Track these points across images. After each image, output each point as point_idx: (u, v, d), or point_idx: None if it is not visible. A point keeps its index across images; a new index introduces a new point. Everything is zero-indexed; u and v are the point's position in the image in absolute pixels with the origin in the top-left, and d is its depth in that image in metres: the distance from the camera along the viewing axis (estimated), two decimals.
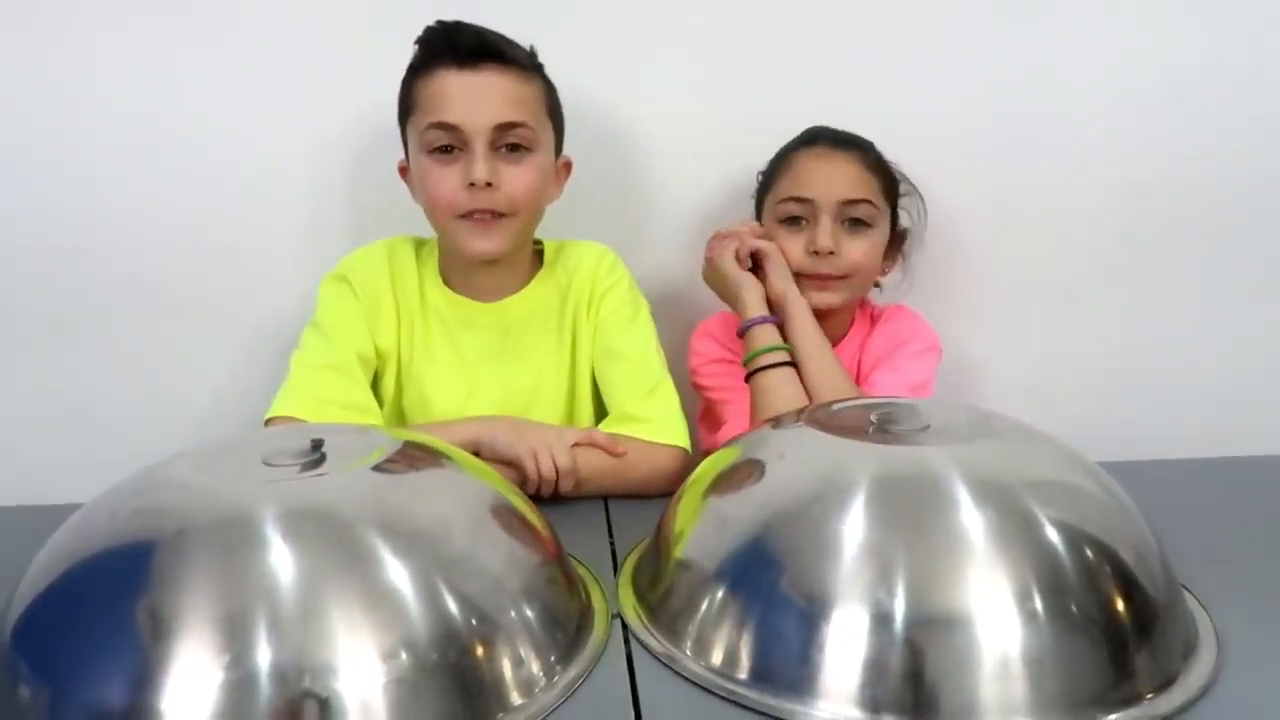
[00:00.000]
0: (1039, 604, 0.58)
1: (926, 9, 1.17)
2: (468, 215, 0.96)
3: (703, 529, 0.69)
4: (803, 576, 0.61)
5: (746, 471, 0.71)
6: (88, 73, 1.09)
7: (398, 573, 0.58)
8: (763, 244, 1.06)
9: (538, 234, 1.06)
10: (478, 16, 0.96)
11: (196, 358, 1.17)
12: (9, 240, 1.12)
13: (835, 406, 0.77)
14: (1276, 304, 1.28)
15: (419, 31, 0.96)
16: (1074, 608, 0.59)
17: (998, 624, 0.57)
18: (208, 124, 1.12)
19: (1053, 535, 0.61)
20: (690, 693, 0.61)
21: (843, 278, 1.06)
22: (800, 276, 1.06)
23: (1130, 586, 0.61)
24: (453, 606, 0.58)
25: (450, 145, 0.95)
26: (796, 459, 0.70)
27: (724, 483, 0.71)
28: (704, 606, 0.64)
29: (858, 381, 1.11)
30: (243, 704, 0.52)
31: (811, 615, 0.59)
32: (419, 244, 1.07)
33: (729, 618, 0.63)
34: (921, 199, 1.14)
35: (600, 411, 1.06)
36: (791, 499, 0.66)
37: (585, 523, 0.88)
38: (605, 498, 0.94)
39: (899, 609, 0.58)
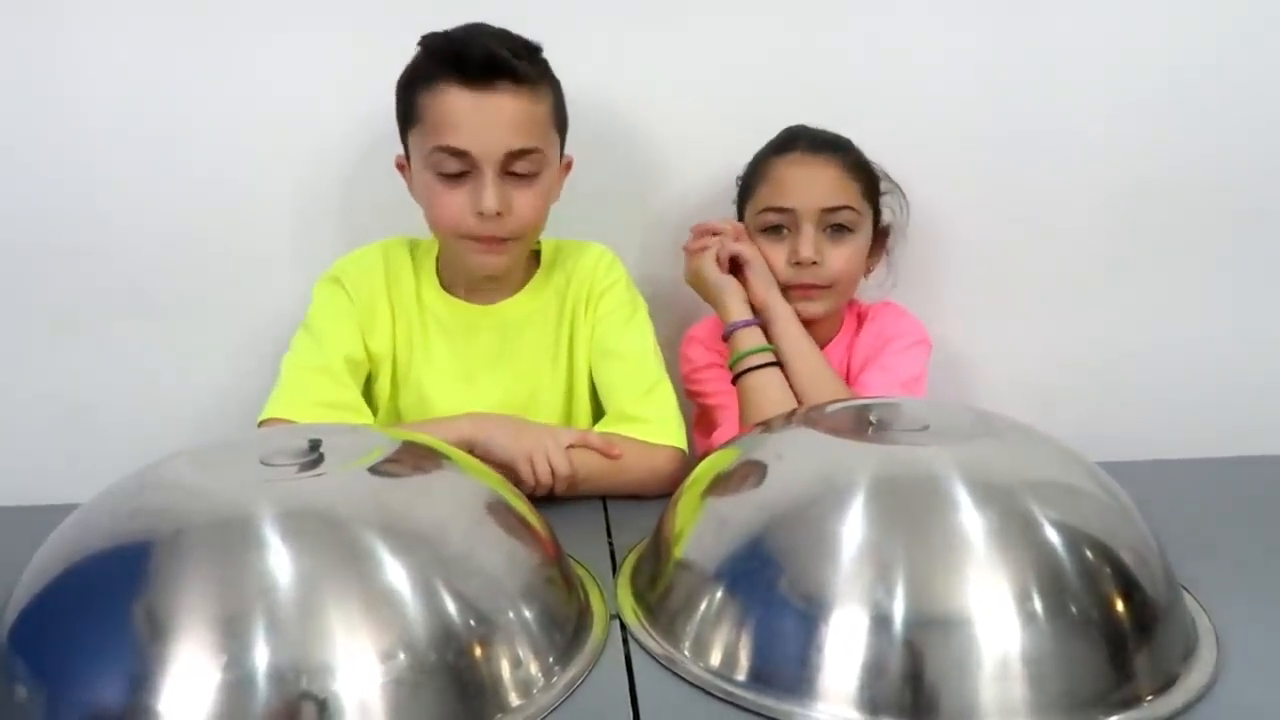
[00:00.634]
0: (1038, 605, 0.58)
1: (927, 7, 1.16)
2: (474, 238, 0.95)
3: (702, 530, 0.68)
4: (802, 577, 0.61)
5: (745, 472, 0.70)
6: (85, 73, 1.08)
7: (396, 573, 0.57)
8: (742, 248, 1.05)
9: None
10: (480, 14, 0.96)
11: (193, 358, 1.17)
12: (5, 239, 1.12)
13: (833, 407, 0.76)
14: (1277, 303, 1.28)
15: (418, 30, 0.95)
16: (1074, 609, 0.58)
17: (997, 625, 0.57)
18: (205, 124, 1.11)
19: (1052, 536, 0.61)
20: (689, 694, 0.61)
21: (827, 286, 1.05)
22: (784, 287, 1.05)
23: (1130, 587, 0.61)
24: (451, 607, 0.58)
25: (459, 168, 0.93)
26: (795, 460, 0.70)
27: (723, 483, 0.71)
28: (703, 607, 0.64)
29: (848, 382, 1.11)
30: (240, 705, 0.52)
31: (810, 616, 0.59)
32: (414, 245, 1.06)
33: (728, 619, 0.63)
34: (903, 194, 1.13)
35: (598, 411, 1.06)
36: (790, 500, 0.65)
37: (584, 523, 0.88)
38: (604, 498, 0.94)
39: (898, 610, 0.58)
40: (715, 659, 0.62)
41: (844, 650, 0.58)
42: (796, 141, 1.07)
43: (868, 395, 1.01)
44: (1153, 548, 0.65)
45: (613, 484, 0.94)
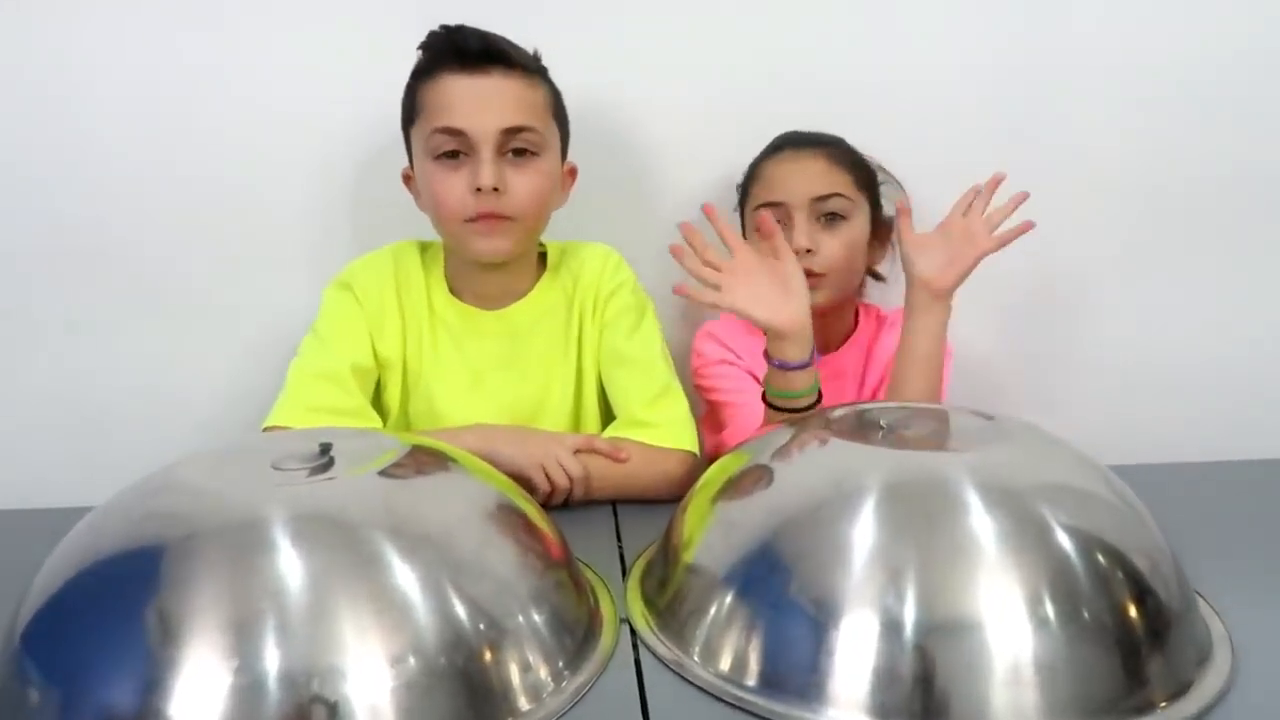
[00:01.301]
0: (1050, 610, 0.57)
1: (929, 7, 1.16)
2: (474, 219, 0.96)
3: (711, 534, 0.68)
4: (812, 582, 0.61)
5: (755, 476, 0.70)
6: (95, 76, 1.09)
7: (406, 577, 0.58)
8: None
9: (541, 235, 1.06)
10: (481, 21, 0.96)
11: (205, 361, 1.18)
12: (17, 242, 1.12)
13: (843, 411, 0.76)
14: None
15: (424, 35, 0.96)
16: (1086, 614, 0.58)
17: (1009, 630, 0.57)
18: (216, 127, 1.12)
19: (1064, 541, 0.60)
20: (698, 699, 0.61)
21: (823, 275, 1.05)
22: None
23: (1143, 593, 0.61)
24: (461, 611, 0.58)
25: (456, 150, 0.95)
26: (805, 464, 0.70)
27: (733, 488, 0.71)
28: (712, 612, 0.64)
29: (863, 384, 1.11)
30: (251, 708, 0.52)
31: (821, 621, 0.59)
32: (424, 248, 1.07)
33: (737, 623, 0.62)
34: (902, 187, 1.13)
35: (606, 413, 1.06)
36: (800, 504, 0.65)
37: (594, 527, 0.88)
38: (614, 503, 0.93)
39: (909, 615, 0.57)
40: (725, 664, 0.62)
41: (855, 655, 0.58)
42: (786, 143, 1.09)
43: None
44: (1166, 552, 0.65)
45: (624, 488, 0.94)
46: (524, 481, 0.87)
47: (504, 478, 0.74)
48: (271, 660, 0.52)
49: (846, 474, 0.65)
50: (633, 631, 0.68)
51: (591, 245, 1.08)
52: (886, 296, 1.19)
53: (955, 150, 1.18)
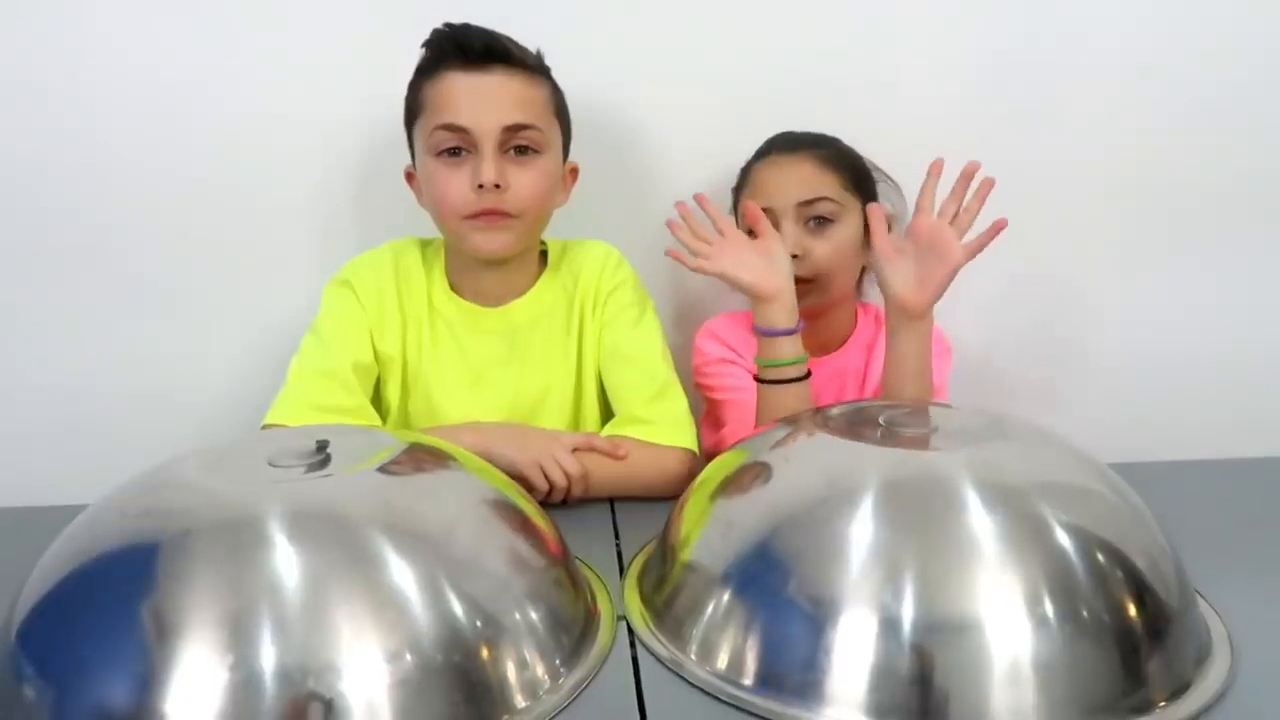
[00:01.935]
0: (1049, 609, 0.57)
1: (929, 4, 1.16)
2: (475, 215, 0.96)
3: (709, 532, 0.68)
4: (809, 581, 0.60)
5: (753, 474, 0.70)
6: (96, 76, 1.09)
7: (403, 574, 0.57)
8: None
9: (543, 234, 1.06)
10: (483, 20, 0.96)
11: (205, 358, 1.17)
12: (17, 239, 1.12)
13: (841, 409, 0.76)
14: None
15: (426, 34, 0.96)
16: (1085, 613, 0.58)
17: (1007, 629, 0.57)
18: (218, 124, 1.12)
19: (1063, 539, 0.60)
20: (695, 697, 0.61)
21: (812, 279, 1.04)
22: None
23: (1142, 592, 0.60)
24: (458, 608, 0.58)
25: (458, 147, 0.95)
26: (803, 462, 0.70)
27: (730, 486, 0.71)
28: (710, 610, 0.64)
29: (864, 384, 1.10)
30: (247, 705, 0.52)
31: (818, 620, 0.59)
32: (424, 245, 1.07)
33: (735, 622, 0.62)
34: (897, 186, 1.13)
35: (606, 411, 1.06)
36: (798, 502, 0.65)
37: (592, 525, 0.88)
38: (612, 500, 0.93)
39: (907, 614, 0.57)
40: (722, 662, 0.62)
41: (852, 654, 0.57)
42: (774, 145, 1.09)
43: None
44: (1166, 551, 0.65)
45: (623, 486, 0.94)
46: (522, 481, 0.87)
47: (501, 475, 0.74)
48: (267, 657, 0.52)
49: (844, 472, 0.65)
50: (630, 629, 0.68)
51: (592, 243, 1.08)
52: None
53: (954, 149, 1.17)
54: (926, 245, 0.93)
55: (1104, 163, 1.21)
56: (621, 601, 0.72)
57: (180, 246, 1.14)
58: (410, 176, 1.03)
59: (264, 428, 0.94)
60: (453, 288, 1.05)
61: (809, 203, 1.04)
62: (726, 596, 0.63)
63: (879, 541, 0.60)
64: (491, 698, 0.57)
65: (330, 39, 1.11)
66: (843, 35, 1.16)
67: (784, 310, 0.96)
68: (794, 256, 1.02)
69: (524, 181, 0.95)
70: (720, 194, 1.15)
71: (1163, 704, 0.58)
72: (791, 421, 0.77)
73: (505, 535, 0.65)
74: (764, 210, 1.04)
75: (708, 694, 0.60)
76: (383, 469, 0.64)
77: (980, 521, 0.60)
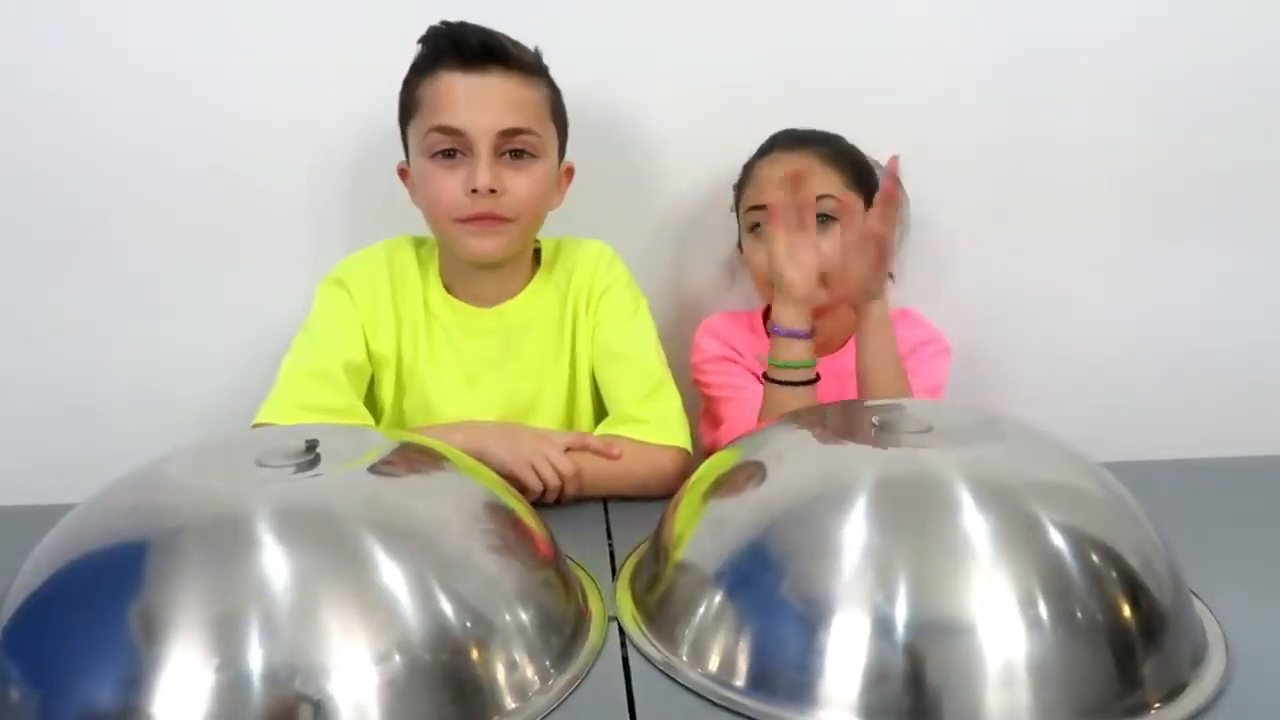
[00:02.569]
0: (1043, 610, 0.57)
1: (926, 2, 1.15)
2: (468, 220, 0.95)
3: (701, 532, 0.68)
4: (802, 581, 0.60)
5: (746, 474, 0.70)
6: (90, 73, 1.09)
7: (392, 574, 0.57)
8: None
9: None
10: (479, 16, 0.96)
11: (198, 358, 1.17)
12: (9, 238, 1.12)
13: (835, 408, 0.76)
14: None
15: (422, 30, 0.95)
16: (1079, 614, 0.57)
17: (1001, 630, 0.56)
18: (210, 123, 1.11)
19: (1057, 539, 0.60)
20: (686, 699, 0.60)
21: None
22: (773, 284, 1.04)
23: (1137, 592, 0.60)
24: (447, 608, 0.58)
25: (453, 149, 0.94)
26: (797, 461, 0.69)
27: (723, 485, 0.70)
28: (701, 611, 0.63)
29: (863, 385, 1.10)
30: (235, 706, 0.51)
31: (811, 621, 0.58)
32: (418, 244, 1.06)
33: (727, 623, 0.62)
34: (901, 186, 1.12)
35: (600, 411, 1.06)
36: (791, 502, 0.65)
37: (584, 525, 0.87)
38: (605, 500, 0.93)
39: (900, 615, 0.57)
40: (714, 664, 0.61)
41: (845, 656, 0.57)
42: (777, 143, 1.09)
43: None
44: (1160, 552, 0.64)
45: (617, 485, 0.94)
46: (514, 481, 0.86)
47: (492, 475, 0.74)
48: (255, 658, 0.52)
49: (837, 471, 0.65)
50: (621, 630, 0.68)
51: (586, 242, 1.07)
52: (891, 295, 1.18)
53: (952, 146, 1.17)
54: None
55: (1096, 161, 1.21)
56: (613, 602, 0.72)
57: (174, 245, 1.14)
58: (403, 173, 1.02)
59: (254, 427, 0.94)
60: (447, 288, 1.04)
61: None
62: (719, 597, 0.63)
63: (872, 541, 0.60)
64: (481, 698, 0.57)
65: (325, 37, 1.10)
66: (843, 32, 1.16)
67: (802, 314, 0.95)
68: None
69: (519, 186, 0.95)
70: (719, 191, 1.15)
71: (1157, 705, 0.58)
72: (785, 421, 0.77)
73: (495, 535, 0.65)
74: (766, 208, 1.04)
75: (699, 695, 0.60)
76: (372, 468, 0.64)
77: (974, 521, 0.60)
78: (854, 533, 0.60)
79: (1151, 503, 0.67)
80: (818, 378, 0.97)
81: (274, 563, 0.56)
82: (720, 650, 0.61)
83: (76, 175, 1.11)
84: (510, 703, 0.58)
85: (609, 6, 1.12)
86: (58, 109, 1.09)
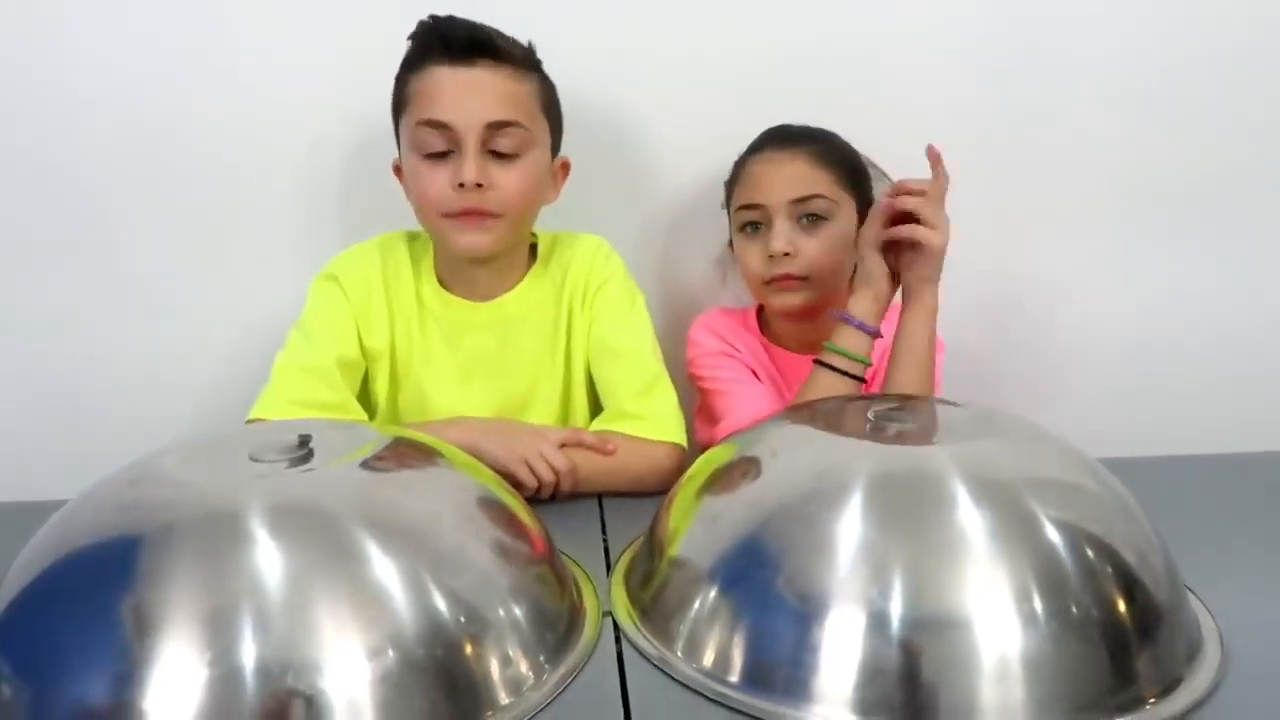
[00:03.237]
0: (1038, 605, 0.57)
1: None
2: (456, 215, 0.94)
3: (696, 528, 0.68)
4: (797, 577, 0.60)
5: (741, 470, 0.70)
6: (81, 69, 1.08)
7: (385, 569, 0.57)
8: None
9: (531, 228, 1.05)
10: (472, 11, 0.95)
11: (192, 354, 1.17)
12: (1, 234, 1.12)
13: (831, 404, 0.75)
14: None
15: (413, 26, 0.95)
16: (1074, 609, 0.57)
17: (996, 626, 0.56)
18: (202, 120, 1.11)
19: (1053, 535, 0.60)
20: (681, 695, 0.60)
21: (804, 278, 1.04)
22: (764, 282, 1.05)
23: (1132, 587, 0.60)
24: (440, 604, 0.57)
25: (442, 143, 0.93)
26: (792, 457, 0.69)
27: (718, 481, 0.70)
28: (696, 606, 0.63)
29: (891, 369, 1.10)
30: (227, 702, 0.51)
31: (805, 616, 0.58)
32: (412, 239, 1.06)
33: (721, 618, 0.62)
34: (892, 181, 1.12)
35: (595, 406, 1.05)
36: (786, 498, 0.65)
37: (579, 520, 0.87)
38: (599, 496, 0.93)
39: (895, 610, 0.57)
40: (708, 659, 0.61)
41: (839, 651, 0.57)
42: (768, 140, 1.08)
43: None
44: (1156, 547, 0.64)
45: (612, 481, 0.93)
46: (510, 478, 0.86)
47: (487, 470, 0.74)
48: (248, 653, 0.52)
49: (833, 467, 0.65)
50: (616, 626, 0.68)
51: (582, 236, 1.07)
52: None
53: (947, 142, 1.17)
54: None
55: (1093, 158, 1.21)
56: (608, 597, 0.72)
57: (167, 241, 1.14)
58: (398, 170, 1.02)
59: (248, 423, 0.93)
60: (441, 282, 1.04)
61: (801, 200, 1.03)
62: (713, 593, 0.63)
63: (867, 537, 0.60)
64: (475, 694, 0.57)
65: (317, 32, 1.10)
66: (838, 28, 1.15)
67: (879, 312, 0.96)
68: (785, 254, 1.02)
69: (507, 181, 0.94)
70: (714, 188, 1.15)
71: (1152, 700, 0.58)
72: (780, 416, 0.77)
73: (489, 530, 0.65)
74: (756, 206, 1.04)
75: (694, 691, 0.60)
76: (365, 464, 0.64)
77: (969, 517, 0.60)
78: (849, 528, 0.60)
79: (1147, 498, 0.67)
80: (865, 380, 0.96)
81: (267, 558, 0.55)
82: (715, 645, 0.61)
83: (69, 172, 1.11)
84: (504, 698, 0.58)
85: (603, 2, 1.12)
86: (50, 105, 1.09)
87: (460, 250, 0.97)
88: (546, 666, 0.61)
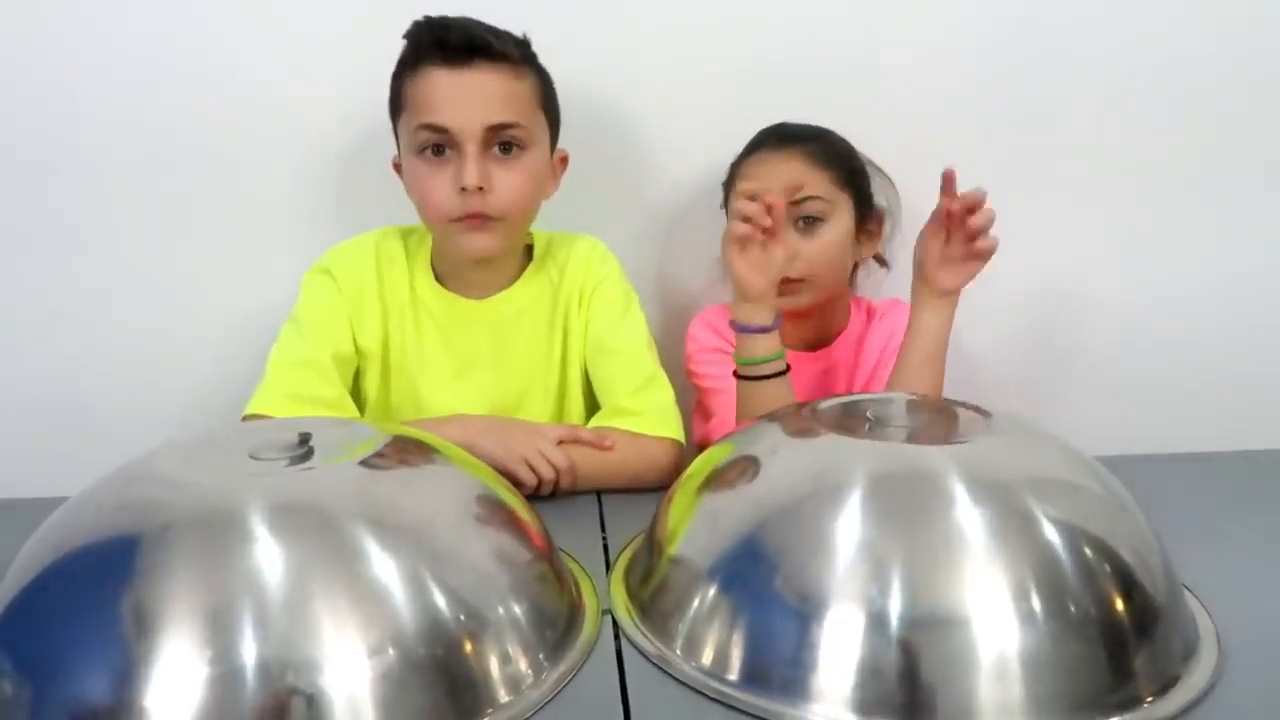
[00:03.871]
0: (1036, 604, 0.57)
1: None
2: (460, 219, 0.94)
3: (696, 526, 0.68)
4: (796, 575, 0.60)
5: (740, 468, 0.70)
6: (80, 64, 1.08)
7: (385, 567, 0.57)
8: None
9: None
10: (467, 7, 0.95)
11: (188, 351, 1.17)
12: (2, 235, 1.11)
13: (830, 403, 0.76)
14: None
15: (412, 19, 0.95)
16: (1072, 608, 0.58)
17: (994, 625, 0.56)
18: (200, 115, 1.11)
19: (1050, 534, 0.60)
20: (680, 693, 0.60)
21: (802, 280, 1.04)
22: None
23: (1130, 586, 0.60)
24: (440, 602, 0.57)
25: (441, 146, 0.93)
26: (791, 456, 0.69)
27: (717, 479, 0.70)
28: (695, 605, 0.63)
29: (854, 377, 1.10)
30: (227, 700, 0.51)
31: (804, 615, 0.58)
32: (406, 234, 1.06)
33: (720, 617, 0.62)
34: (890, 181, 1.12)
35: (590, 406, 1.05)
36: (785, 497, 0.65)
37: (578, 519, 0.87)
38: (598, 493, 0.93)
39: (894, 609, 0.57)
40: (707, 658, 0.61)
41: (838, 650, 0.57)
42: (765, 140, 1.07)
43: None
44: (1153, 546, 0.64)
45: (610, 478, 0.93)
46: (508, 476, 0.85)
47: (486, 468, 0.74)
48: (248, 652, 0.52)
49: (832, 466, 0.65)
50: (615, 624, 0.68)
51: (579, 237, 1.07)
52: (881, 287, 1.18)
53: (949, 140, 1.17)
54: (964, 232, 0.92)
55: (1092, 157, 1.21)
56: (607, 595, 0.72)
57: (163, 235, 1.14)
58: (398, 167, 1.02)
59: (245, 418, 0.93)
60: (438, 279, 1.04)
61: (798, 203, 1.02)
62: (713, 591, 0.63)
63: (866, 536, 0.60)
64: (474, 692, 0.57)
65: (315, 26, 1.10)
66: (835, 24, 1.15)
67: (761, 309, 0.95)
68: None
69: (508, 182, 0.94)
70: (713, 187, 1.15)
71: (1150, 699, 0.58)
72: (779, 415, 0.76)
73: (489, 528, 0.65)
74: None
75: (693, 689, 0.60)
76: (365, 462, 0.64)
77: (968, 516, 0.60)
78: (848, 527, 0.60)
79: (1145, 497, 0.67)
80: (787, 368, 0.97)
81: (267, 556, 0.55)
82: (714, 644, 0.61)
83: (64, 166, 1.10)
84: (504, 696, 0.58)
85: (602, 1, 1.11)
86: (47, 99, 1.09)
87: (466, 253, 0.97)
88: (546, 664, 0.61)
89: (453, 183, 0.93)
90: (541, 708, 0.58)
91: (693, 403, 1.14)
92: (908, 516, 0.61)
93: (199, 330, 1.17)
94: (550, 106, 1.00)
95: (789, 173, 1.03)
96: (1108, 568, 0.60)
